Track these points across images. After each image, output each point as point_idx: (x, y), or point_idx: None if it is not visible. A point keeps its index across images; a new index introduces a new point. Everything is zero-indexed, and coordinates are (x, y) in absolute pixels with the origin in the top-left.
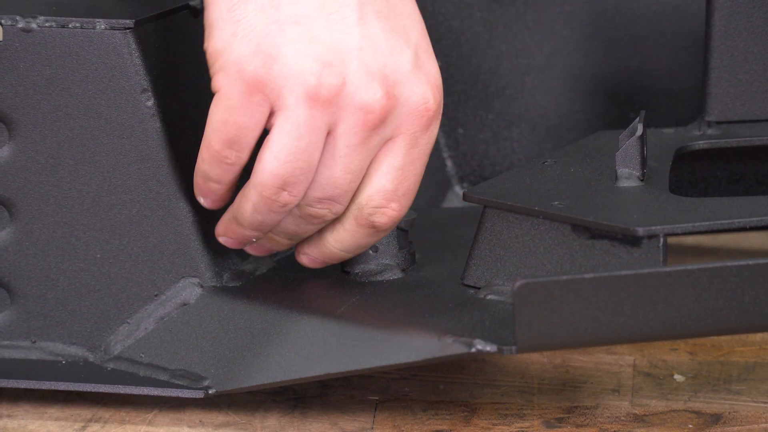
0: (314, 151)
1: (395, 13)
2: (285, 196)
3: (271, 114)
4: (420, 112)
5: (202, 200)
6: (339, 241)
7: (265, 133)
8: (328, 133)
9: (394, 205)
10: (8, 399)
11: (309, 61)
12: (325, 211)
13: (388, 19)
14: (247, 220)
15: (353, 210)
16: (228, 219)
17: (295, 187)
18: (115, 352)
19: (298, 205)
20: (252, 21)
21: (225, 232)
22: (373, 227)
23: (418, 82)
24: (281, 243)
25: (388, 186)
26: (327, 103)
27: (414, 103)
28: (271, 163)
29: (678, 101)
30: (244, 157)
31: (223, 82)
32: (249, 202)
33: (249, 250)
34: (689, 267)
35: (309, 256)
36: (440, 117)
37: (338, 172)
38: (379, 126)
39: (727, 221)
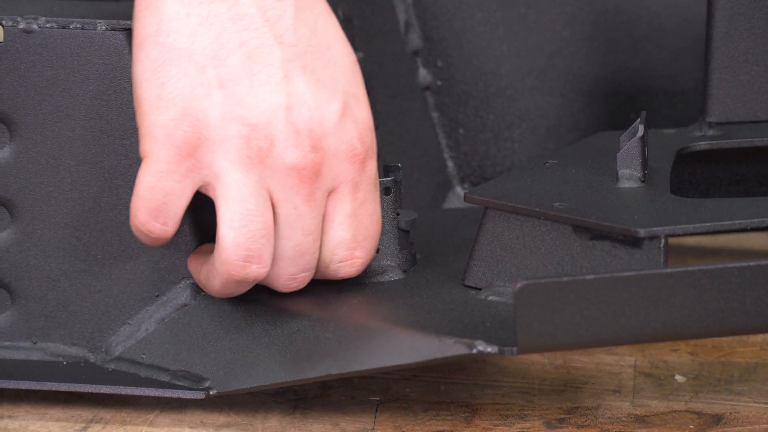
0: (265, 210)
1: (322, 64)
2: (254, 270)
3: (207, 187)
4: (349, 158)
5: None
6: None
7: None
8: (273, 204)
9: (357, 252)
10: (9, 400)
11: (236, 125)
12: (299, 284)
13: (313, 72)
14: (219, 293)
15: (321, 269)
16: (201, 283)
17: (260, 257)
18: (116, 353)
19: (271, 284)
20: (176, 84)
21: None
22: (348, 276)
23: (345, 130)
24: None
25: (346, 235)
26: (259, 165)
27: (342, 152)
28: (228, 235)
29: (679, 102)
30: (170, 230)
31: (150, 146)
32: (216, 280)
33: None
34: (690, 268)
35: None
36: (375, 155)
37: (299, 237)
38: (315, 180)
39: (728, 222)
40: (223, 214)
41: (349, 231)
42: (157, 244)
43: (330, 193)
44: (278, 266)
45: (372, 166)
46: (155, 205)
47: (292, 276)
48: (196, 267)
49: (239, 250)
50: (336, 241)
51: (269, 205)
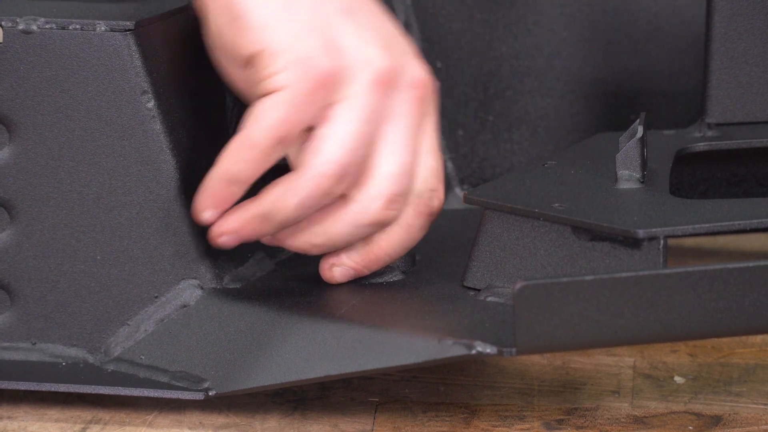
0: (375, 138)
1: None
2: (343, 188)
3: (321, 116)
4: (436, 92)
5: (209, 213)
6: (392, 242)
7: None
8: (386, 122)
9: (441, 186)
10: (8, 401)
11: (372, 47)
12: (393, 213)
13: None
14: (287, 216)
15: (411, 200)
16: (255, 217)
17: (355, 175)
18: (115, 354)
19: (358, 212)
20: (308, 17)
21: (241, 230)
22: (430, 215)
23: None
24: (315, 246)
25: (435, 165)
26: (391, 85)
27: (434, 84)
28: (336, 153)
29: (678, 103)
30: (285, 154)
31: (290, 79)
32: (296, 196)
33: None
34: (690, 269)
35: (346, 268)
36: None
37: (407, 156)
38: (427, 101)
39: (727, 223)
40: (335, 132)
41: (436, 161)
42: (265, 169)
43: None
44: (378, 186)
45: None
46: (282, 135)
47: (392, 196)
48: (250, 207)
49: (339, 169)
50: (428, 168)
51: (379, 130)
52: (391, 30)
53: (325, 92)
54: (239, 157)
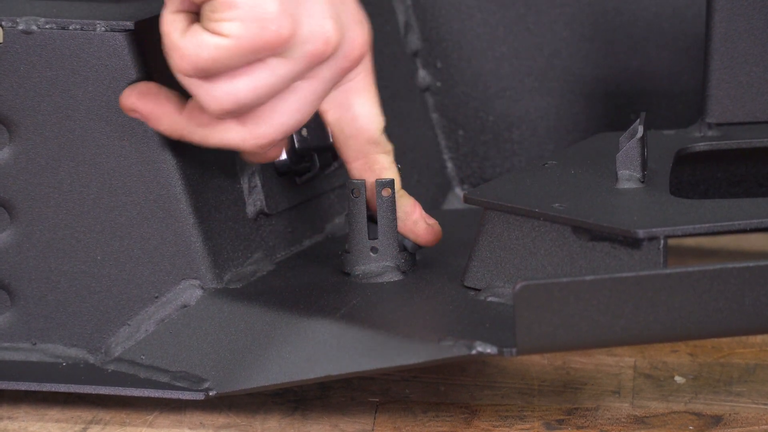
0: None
1: None
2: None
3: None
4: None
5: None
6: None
7: None
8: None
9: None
10: (9, 401)
11: (328, 20)
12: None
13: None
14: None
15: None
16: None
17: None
18: (116, 354)
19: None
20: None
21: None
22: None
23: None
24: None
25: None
26: (327, 57)
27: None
28: (240, 91)
29: (678, 103)
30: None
31: (233, 32)
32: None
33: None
34: (690, 269)
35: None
36: None
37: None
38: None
39: (727, 223)
40: (253, 76)
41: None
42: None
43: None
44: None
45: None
46: (208, 71)
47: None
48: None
49: (234, 106)
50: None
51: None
52: None
53: (265, 53)
54: (166, 51)
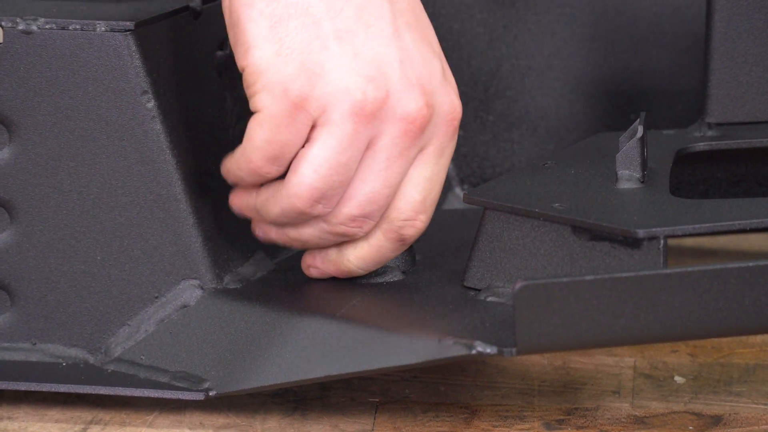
0: (353, 165)
1: (421, 25)
2: (319, 209)
3: (312, 127)
4: (449, 121)
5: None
6: (360, 258)
7: None
8: (368, 147)
9: (422, 216)
10: (8, 401)
11: (353, 76)
12: (356, 230)
13: (417, 30)
14: (271, 219)
15: (382, 224)
16: (250, 206)
17: (330, 201)
18: (116, 354)
19: (326, 220)
20: (295, 39)
21: (240, 210)
22: (401, 240)
23: (447, 91)
24: (291, 243)
25: (417, 197)
26: (372, 116)
27: (445, 113)
28: (310, 177)
29: (678, 103)
30: (283, 169)
31: (267, 101)
32: (278, 206)
33: (255, 230)
34: (689, 269)
35: (320, 270)
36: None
37: (378, 186)
38: (418, 136)
39: (727, 223)
40: (314, 156)
41: (422, 194)
42: (269, 179)
43: (419, 152)
44: (344, 206)
45: (456, 137)
46: (273, 154)
47: (351, 217)
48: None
49: (314, 193)
50: (407, 200)
51: (359, 159)
52: (392, 55)
53: (304, 115)
54: (240, 167)
